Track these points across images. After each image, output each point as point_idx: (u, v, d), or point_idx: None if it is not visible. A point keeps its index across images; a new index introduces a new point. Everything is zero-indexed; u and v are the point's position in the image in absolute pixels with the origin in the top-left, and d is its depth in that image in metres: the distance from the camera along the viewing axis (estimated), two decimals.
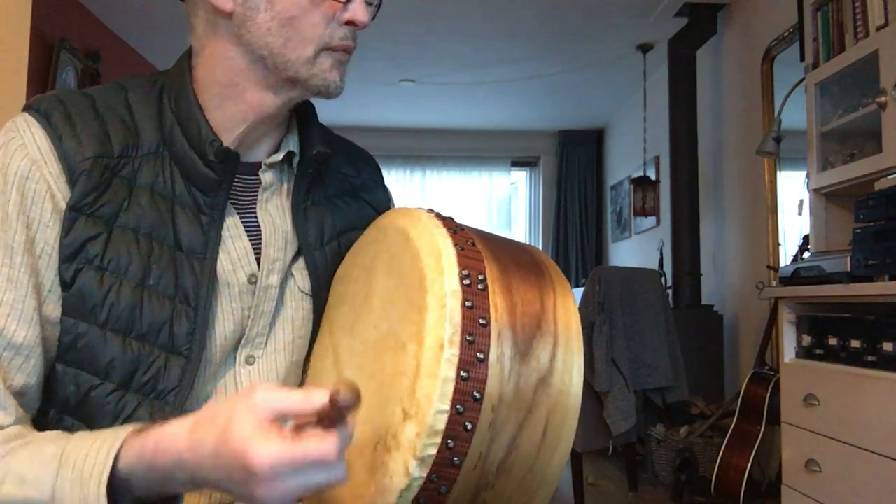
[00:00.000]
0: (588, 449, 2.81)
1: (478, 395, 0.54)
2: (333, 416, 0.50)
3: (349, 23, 0.72)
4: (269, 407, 0.50)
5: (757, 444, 2.56)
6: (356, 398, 0.49)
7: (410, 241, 0.62)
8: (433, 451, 0.53)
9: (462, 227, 0.64)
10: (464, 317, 0.55)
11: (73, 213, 0.66)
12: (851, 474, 1.80)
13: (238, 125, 0.75)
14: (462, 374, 0.54)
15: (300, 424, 0.51)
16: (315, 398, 0.50)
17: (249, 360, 0.76)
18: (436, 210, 0.68)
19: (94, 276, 0.66)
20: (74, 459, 0.57)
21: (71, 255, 0.66)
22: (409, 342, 0.57)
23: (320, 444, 0.49)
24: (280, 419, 0.51)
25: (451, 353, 0.54)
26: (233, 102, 0.74)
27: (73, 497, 0.55)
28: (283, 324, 0.78)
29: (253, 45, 0.71)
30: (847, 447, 1.82)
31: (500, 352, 0.56)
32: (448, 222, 0.64)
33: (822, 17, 2.35)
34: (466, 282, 0.57)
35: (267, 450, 0.49)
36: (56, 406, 0.69)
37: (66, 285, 0.66)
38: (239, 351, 0.75)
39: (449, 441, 0.54)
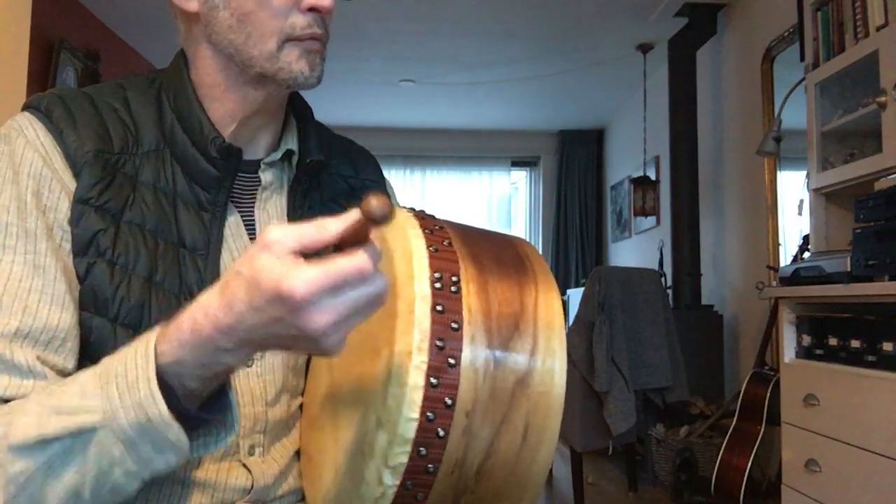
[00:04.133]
0: (588, 449, 2.81)
1: (449, 402, 0.53)
2: (359, 234, 0.48)
3: (312, 9, 0.70)
4: (287, 240, 0.48)
5: (757, 444, 2.56)
6: (389, 209, 0.45)
7: (386, 243, 0.61)
8: (404, 459, 0.52)
9: (441, 226, 0.62)
10: (433, 321, 0.53)
11: (81, 206, 0.66)
12: (851, 474, 1.80)
13: (229, 123, 0.74)
14: (432, 380, 0.52)
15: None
16: (330, 226, 0.49)
17: (248, 362, 0.75)
18: (418, 208, 0.67)
19: (106, 270, 0.66)
20: (115, 374, 0.55)
21: (83, 248, 0.66)
22: (383, 347, 0.56)
23: (352, 258, 0.47)
24: (299, 252, 0.49)
25: (420, 360, 0.52)
26: (220, 102, 0.74)
27: (127, 406, 0.53)
28: None
29: (220, 45, 0.71)
30: (847, 447, 1.81)
31: (473, 356, 0.54)
32: (426, 221, 0.62)
33: (822, 17, 2.35)
34: (438, 285, 0.55)
35: (299, 277, 0.47)
36: None
37: (79, 279, 0.66)
38: None
39: (421, 449, 0.52)
